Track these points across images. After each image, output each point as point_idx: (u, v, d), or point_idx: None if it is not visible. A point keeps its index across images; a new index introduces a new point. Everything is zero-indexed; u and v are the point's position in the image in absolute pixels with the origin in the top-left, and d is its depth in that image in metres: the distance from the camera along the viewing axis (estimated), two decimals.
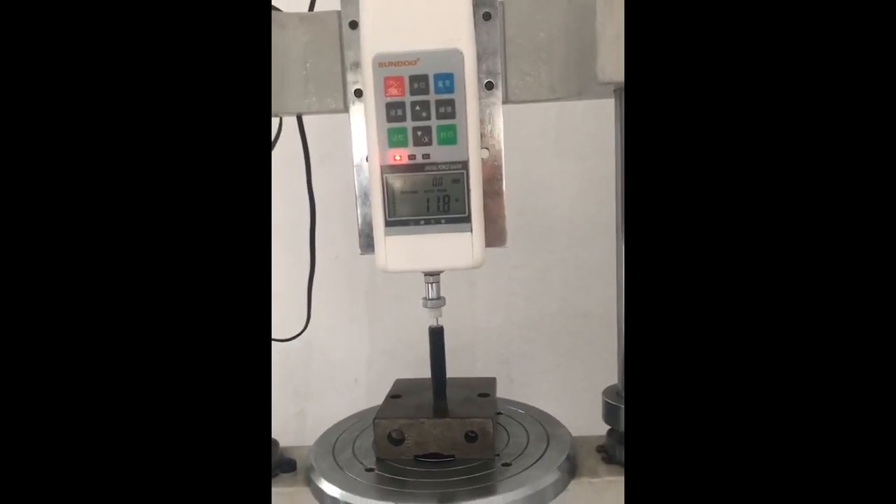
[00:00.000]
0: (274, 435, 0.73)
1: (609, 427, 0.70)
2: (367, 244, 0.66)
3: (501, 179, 0.65)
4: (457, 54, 0.58)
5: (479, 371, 1.17)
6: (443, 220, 0.61)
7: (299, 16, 0.65)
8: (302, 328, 0.79)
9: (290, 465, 0.71)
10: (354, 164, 0.66)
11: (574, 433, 0.72)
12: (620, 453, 0.67)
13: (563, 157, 1.13)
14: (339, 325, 1.18)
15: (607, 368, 0.71)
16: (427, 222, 0.61)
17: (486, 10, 0.62)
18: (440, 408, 0.68)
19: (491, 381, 0.75)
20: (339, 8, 0.64)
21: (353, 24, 0.63)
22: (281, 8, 0.66)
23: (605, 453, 0.69)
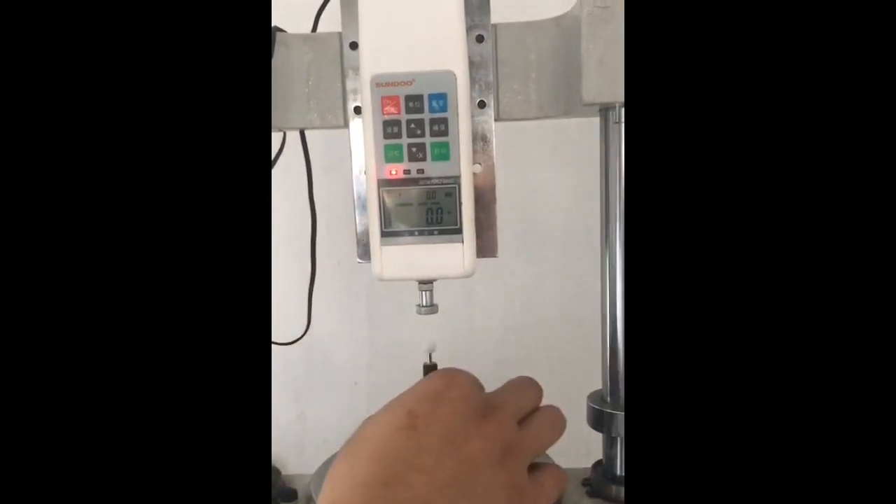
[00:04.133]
0: (273, 435, 0.76)
1: (594, 462, 0.74)
2: (365, 252, 0.69)
3: (494, 193, 0.68)
4: (450, 75, 0.62)
5: (475, 374, 1.20)
6: (436, 232, 0.64)
7: (302, 36, 0.69)
8: (302, 332, 0.82)
9: (291, 495, 0.73)
10: (354, 176, 0.69)
11: (567, 437, 0.75)
12: (605, 487, 0.70)
13: (559, 168, 1.16)
14: (340, 329, 1.22)
15: (601, 375, 0.74)
16: (421, 233, 0.64)
17: (480, 32, 0.66)
18: None
19: None
20: (340, 30, 0.67)
21: (354, 45, 0.66)
22: (285, 29, 0.70)
23: (589, 486, 0.72)
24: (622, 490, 0.68)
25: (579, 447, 0.74)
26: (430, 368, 0.72)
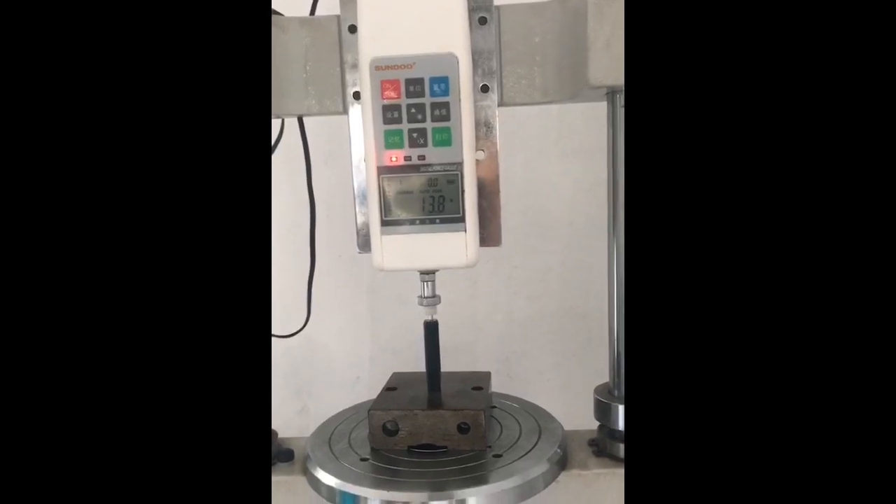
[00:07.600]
0: (275, 429, 0.75)
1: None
2: (365, 243, 0.67)
3: (497, 181, 0.66)
4: (451, 58, 0.60)
5: (479, 369, 1.18)
6: (437, 220, 0.62)
7: (300, 20, 0.67)
8: (302, 325, 0.81)
9: (287, 455, 0.73)
10: (353, 164, 0.67)
11: (571, 430, 0.73)
12: (611, 447, 0.69)
13: (564, 158, 1.14)
14: (342, 323, 1.20)
15: (605, 367, 0.73)
16: (422, 222, 0.62)
17: (482, 14, 0.64)
18: (434, 400, 0.70)
19: (485, 375, 0.76)
20: (338, 12, 0.65)
21: (352, 29, 0.64)
22: (282, 12, 0.68)
23: (595, 447, 0.71)
24: None
25: (588, 423, 0.73)
26: (430, 325, 0.71)
